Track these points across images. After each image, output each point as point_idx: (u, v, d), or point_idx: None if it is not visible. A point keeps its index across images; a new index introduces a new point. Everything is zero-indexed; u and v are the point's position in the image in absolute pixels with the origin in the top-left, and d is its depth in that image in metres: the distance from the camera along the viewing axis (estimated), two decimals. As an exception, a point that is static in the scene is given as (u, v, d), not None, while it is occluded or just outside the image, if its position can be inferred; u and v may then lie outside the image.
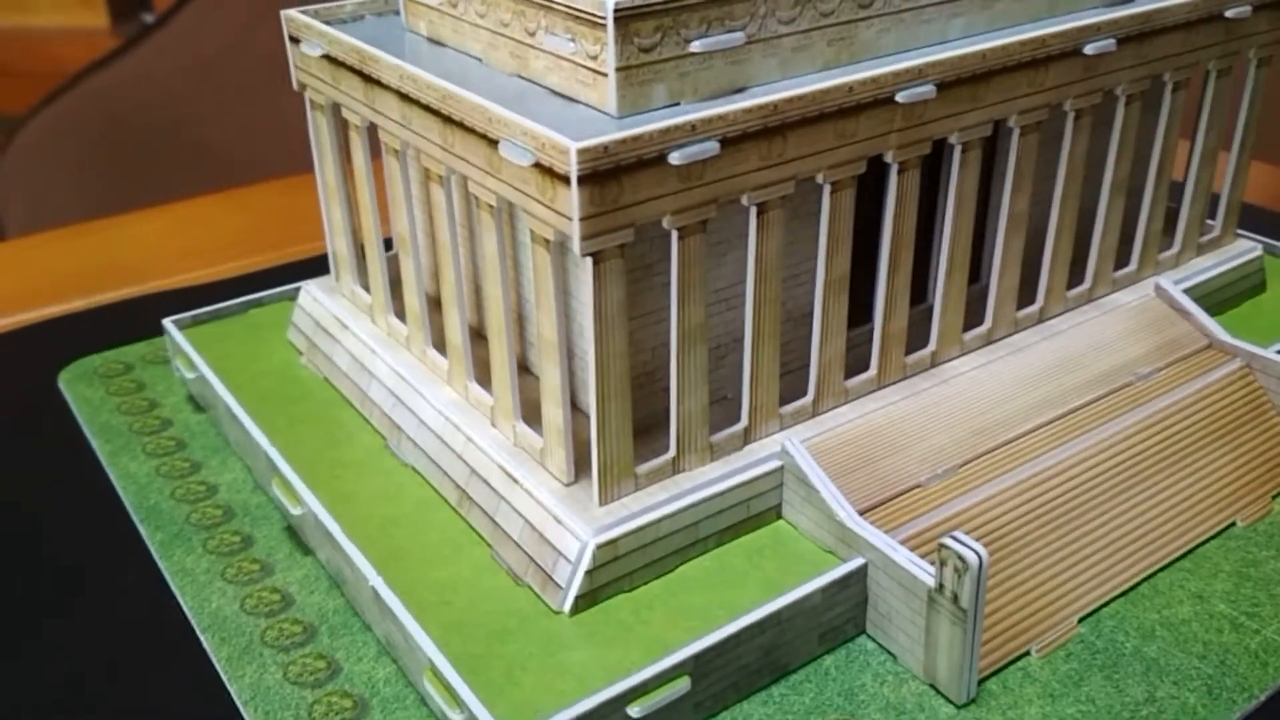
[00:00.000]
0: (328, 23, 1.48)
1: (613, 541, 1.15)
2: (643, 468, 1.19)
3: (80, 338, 1.83)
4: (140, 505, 1.44)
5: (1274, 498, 1.40)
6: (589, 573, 1.15)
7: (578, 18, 1.13)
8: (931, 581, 1.10)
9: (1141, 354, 1.48)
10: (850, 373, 1.33)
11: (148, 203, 2.35)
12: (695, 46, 1.14)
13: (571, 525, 1.16)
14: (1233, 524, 1.35)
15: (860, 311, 1.35)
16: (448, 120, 1.18)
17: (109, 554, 1.37)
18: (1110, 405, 1.41)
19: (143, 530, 1.40)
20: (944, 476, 1.28)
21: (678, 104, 1.16)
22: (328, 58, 1.40)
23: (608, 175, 1.03)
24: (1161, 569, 1.29)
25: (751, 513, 1.25)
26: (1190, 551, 1.31)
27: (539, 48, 1.20)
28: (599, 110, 1.15)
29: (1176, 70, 1.46)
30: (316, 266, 1.94)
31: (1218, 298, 1.65)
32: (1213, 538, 1.34)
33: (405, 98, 1.25)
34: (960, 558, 1.06)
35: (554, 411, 1.18)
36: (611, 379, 1.12)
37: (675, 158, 1.06)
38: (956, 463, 1.30)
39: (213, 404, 1.56)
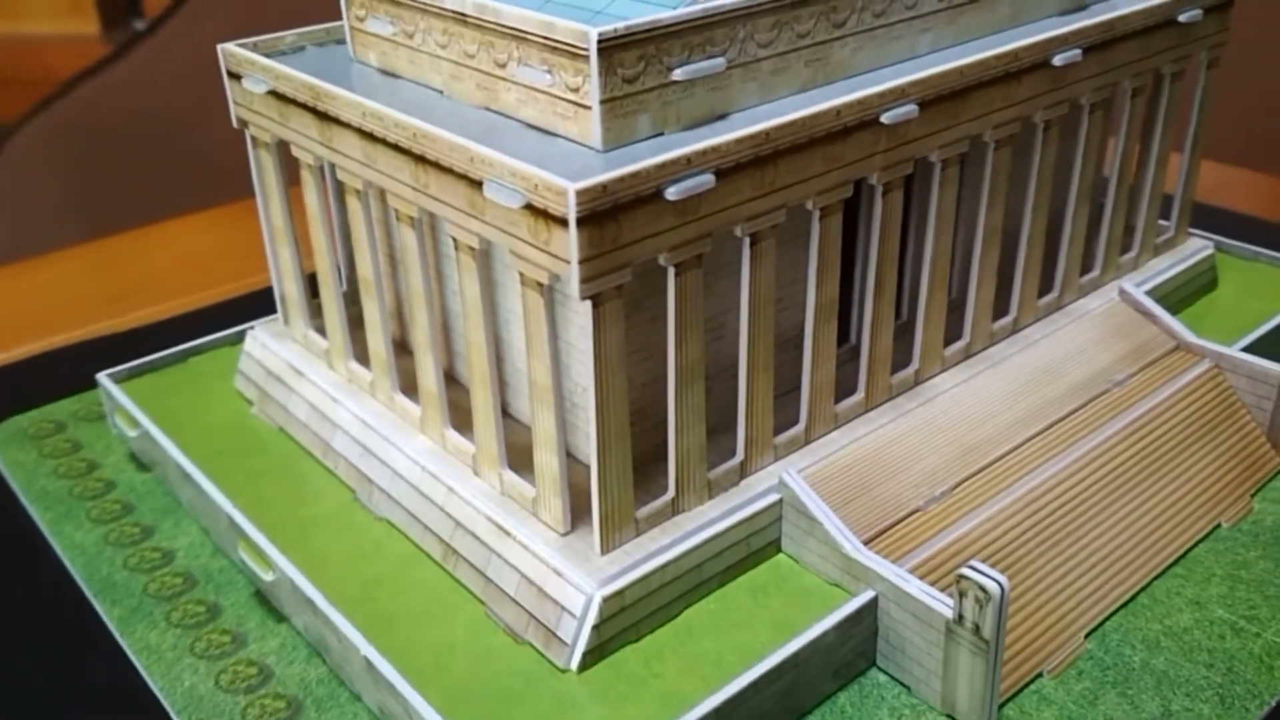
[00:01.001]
0: (267, 55, 1.40)
1: (619, 592, 1.11)
2: (642, 511, 1.15)
3: (4, 396, 1.71)
4: (92, 578, 1.35)
5: (1252, 496, 1.41)
6: (596, 627, 1.10)
7: (556, 49, 1.08)
8: (949, 613, 1.08)
9: (1114, 360, 1.49)
10: (836, 396, 1.30)
11: (138, 214, 2.26)
12: (678, 74, 1.10)
13: (574, 578, 1.11)
14: (1218, 525, 1.36)
15: (840, 331, 1.32)
16: (420, 160, 1.12)
17: (64, 634, 1.28)
18: (1091, 415, 1.40)
19: (98, 605, 1.31)
20: (940, 499, 1.26)
21: (661, 134, 1.12)
22: (274, 94, 1.33)
23: (606, 215, 0.98)
24: (1157, 577, 1.29)
25: (752, 549, 1.22)
26: (1182, 557, 1.32)
27: (511, 80, 1.15)
28: (581, 144, 1.10)
29: (1135, 76, 1.46)
30: (247, 307, 1.86)
31: (1175, 297, 1.67)
32: (1200, 541, 1.34)
33: (369, 136, 1.19)
34: (982, 588, 1.04)
35: (549, 459, 1.12)
36: (612, 423, 1.07)
37: (672, 193, 1.02)
38: (950, 484, 1.28)
39: (161, 463, 1.47)
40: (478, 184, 1.06)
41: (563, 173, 1.03)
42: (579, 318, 1.16)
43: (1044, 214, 1.44)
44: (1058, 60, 1.33)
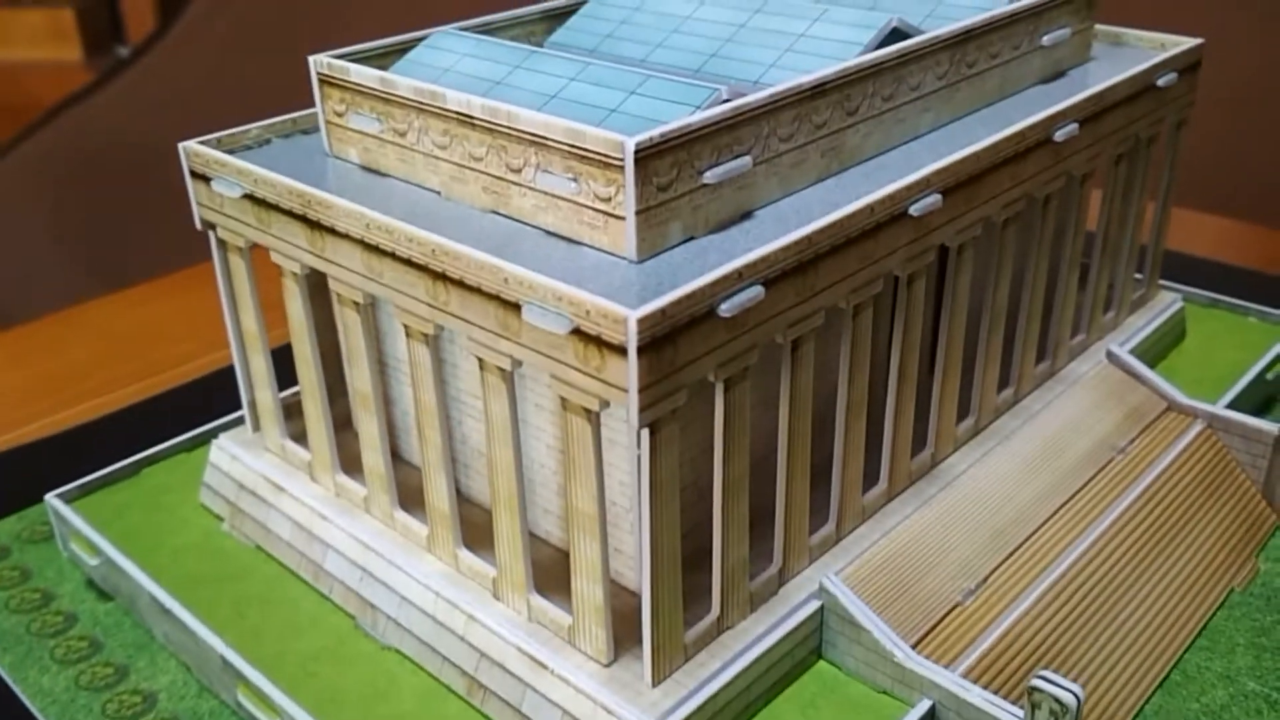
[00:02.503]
0: (231, 152, 1.31)
1: (676, 726, 1.04)
2: (689, 634, 1.09)
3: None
4: (68, 732, 1.23)
5: (1256, 556, 1.42)
6: (655, 765, 1.03)
7: (584, 157, 1.02)
8: (1018, 723, 1.05)
9: (1113, 426, 1.48)
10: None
11: (130, 262, 2.17)
12: (708, 178, 1.05)
13: (626, 715, 1.05)
14: (1231, 591, 1.36)
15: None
16: (440, 276, 1.05)
17: (47, 804, 1.16)
18: (1102, 488, 1.40)
19: (80, 764, 1.19)
20: (977, 592, 1.23)
21: (692, 238, 1.07)
22: (251, 197, 1.23)
23: (664, 339, 0.92)
24: (1185, 651, 1.28)
25: (795, 661, 1.17)
26: (1204, 627, 1.31)
27: (527, 185, 1.08)
28: (612, 254, 1.04)
29: (1119, 144, 1.47)
30: (187, 399, 1.75)
31: (1152, 353, 1.68)
32: (1218, 609, 1.34)
33: (373, 248, 1.11)
34: (1057, 700, 1.01)
35: (592, 588, 1.06)
36: (665, 551, 1.02)
37: (725, 309, 0.96)
38: (984, 573, 1.25)
39: (130, 594, 1.35)
40: (512, 305, 0.99)
41: (602, 289, 0.97)
42: (611, 432, 1.10)
43: (1043, 285, 1.43)
44: (1058, 136, 1.32)
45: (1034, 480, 1.38)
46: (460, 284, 1.03)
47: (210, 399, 1.75)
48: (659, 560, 1.01)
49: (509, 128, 1.07)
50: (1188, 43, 1.55)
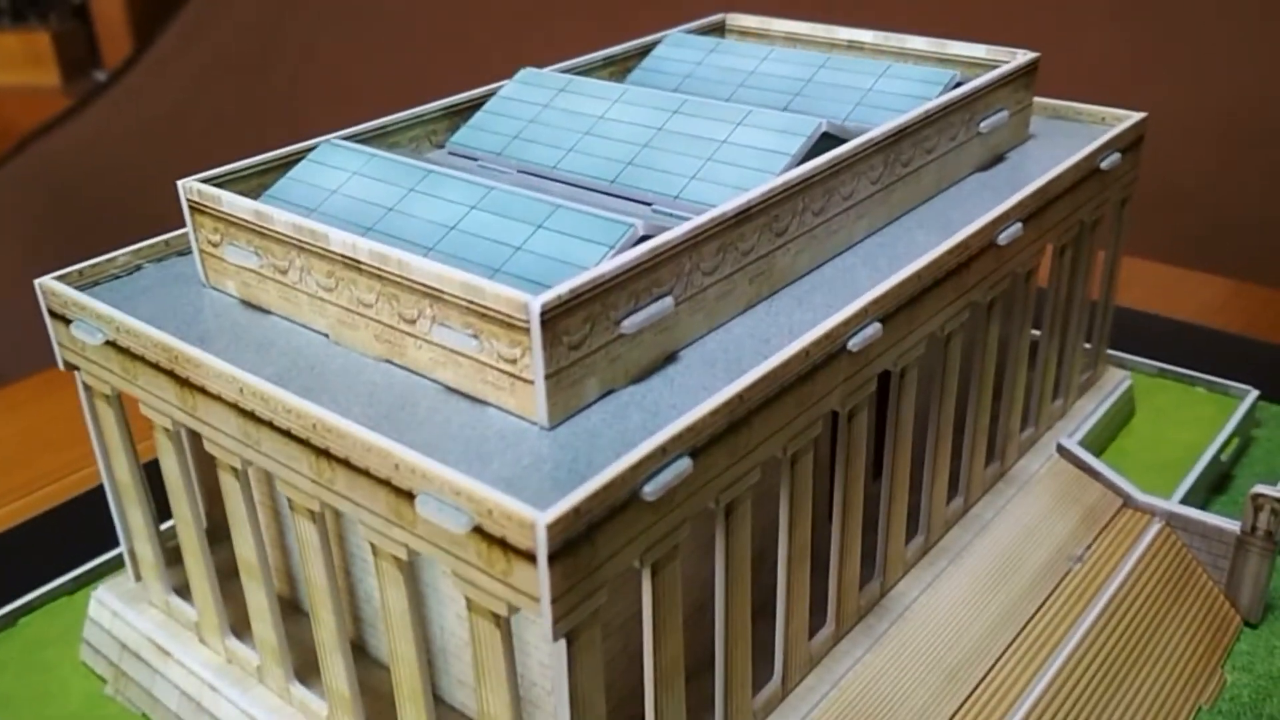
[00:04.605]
0: (95, 284, 1.17)
1: None
2: (623, 834, 0.98)
3: None
4: None
5: (1221, 665, 1.34)
6: None
7: (485, 315, 0.90)
8: None
9: (1068, 532, 1.40)
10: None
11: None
12: (626, 327, 0.94)
13: None
14: (1200, 709, 1.28)
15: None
16: (324, 453, 0.92)
17: None
18: (1062, 607, 1.31)
19: None
20: (937, 745, 1.13)
21: (611, 391, 0.96)
22: (114, 345, 1.10)
23: (580, 539, 0.81)
24: (1158, 788, 1.19)
25: (742, 842, 1.06)
26: (1175, 757, 1.23)
27: (423, 338, 0.96)
28: (520, 417, 0.92)
29: (1063, 234, 1.38)
30: (58, 525, 1.60)
31: (1103, 438, 1.60)
32: (1188, 732, 1.26)
33: (249, 414, 0.98)
34: None
35: (511, 795, 0.94)
36: (591, 758, 0.90)
37: (649, 492, 0.85)
38: (943, 721, 1.15)
39: (-1, 780, 1.21)
40: (405, 493, 0.86)
41: (508, 467, 0.86)
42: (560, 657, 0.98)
43: (990, 386, 1.34)
44: (1002, 239, 1.22)
45: (990, 604, 1.28)
46: (347, 464, 0.90)
47: (101, 516, 1.60)
48: (585, 770, 0.89)
49: (400, 276, 0.95)
50: (1131, 117, 1.47)
